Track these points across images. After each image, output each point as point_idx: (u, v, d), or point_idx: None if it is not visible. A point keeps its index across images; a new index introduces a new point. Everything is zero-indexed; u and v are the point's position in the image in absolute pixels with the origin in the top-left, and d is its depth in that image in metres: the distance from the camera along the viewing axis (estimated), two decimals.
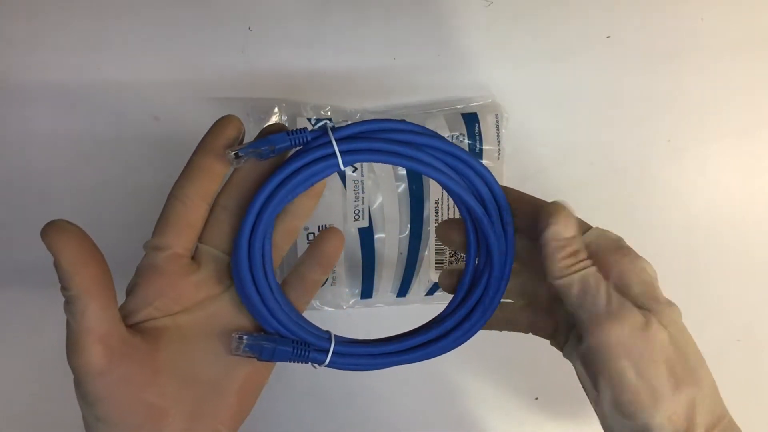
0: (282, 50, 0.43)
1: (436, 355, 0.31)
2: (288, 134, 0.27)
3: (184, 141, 0.45)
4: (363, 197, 0.43)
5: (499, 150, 0.44)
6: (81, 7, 0.42)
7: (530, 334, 0.34)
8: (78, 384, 0.26)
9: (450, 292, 0.33)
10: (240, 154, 0.27)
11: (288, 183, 0.27)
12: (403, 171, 0.43)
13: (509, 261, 0.30)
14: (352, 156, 0.27)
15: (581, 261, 0.28)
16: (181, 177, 0.29)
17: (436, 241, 0.44)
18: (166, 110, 0.43)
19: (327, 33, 0.43)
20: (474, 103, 0.44)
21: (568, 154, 0.46)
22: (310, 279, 0.31)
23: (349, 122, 0.29)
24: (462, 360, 0.48)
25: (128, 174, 0.44)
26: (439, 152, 0.29)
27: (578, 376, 0.30)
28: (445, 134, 0.42)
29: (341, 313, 0.45)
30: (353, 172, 0.42)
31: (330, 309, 0.45)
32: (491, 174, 0.29)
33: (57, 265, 0.25)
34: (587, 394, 0.30)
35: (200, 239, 0.29)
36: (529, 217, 0.30)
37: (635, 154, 0.47)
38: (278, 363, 0.29)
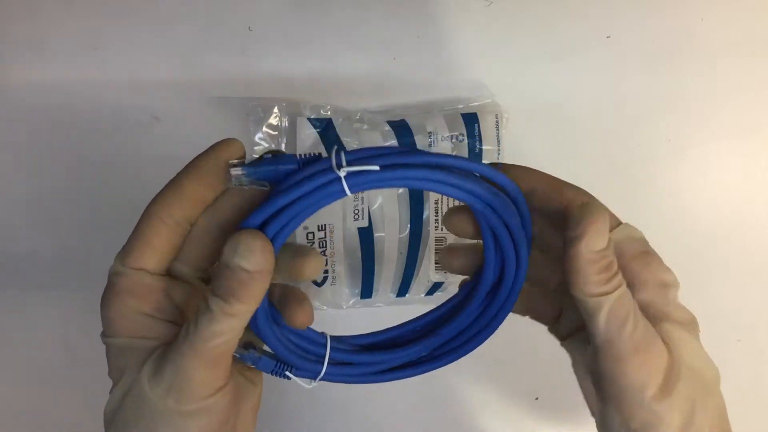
0: (282, 50, 0.43)
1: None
2: (299, 161, 0.24)
3: (184, 141, 0.45)
4: (363, 197, 0.43)
5: (498, 150, 0.44)
6: (81, 7, 0.42)
7: (529, 328, 0.33)
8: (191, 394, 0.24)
9: (458, 273, 0.31)
10: (245, 173, 0.24)
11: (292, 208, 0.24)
12: None
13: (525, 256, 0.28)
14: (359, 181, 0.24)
15: (614, 276, 0.25)
16: (165, 196, 0.25)
17: (436, 241, 0.44)
18: (166, 110, 0.43)
19: (327, 33, 0.43)
20: (474, 103, 0.44)
21: (568, 154, 0.46)
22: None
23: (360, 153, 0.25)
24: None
25: (128, 174, 0.44)
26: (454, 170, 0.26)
27: (576, 372, 0.29)
28: (445, 134, 0.42)
29: (341, 312, 0.45)
30: None
31: (330, 309, 0.45)
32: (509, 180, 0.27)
33: (238, 269, 0.23)
34: (585, 395, 0.29)
35: (176, 259, 0.27)
36: (547, 199, 0.28)
37: (635, 154, 0.47)
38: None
